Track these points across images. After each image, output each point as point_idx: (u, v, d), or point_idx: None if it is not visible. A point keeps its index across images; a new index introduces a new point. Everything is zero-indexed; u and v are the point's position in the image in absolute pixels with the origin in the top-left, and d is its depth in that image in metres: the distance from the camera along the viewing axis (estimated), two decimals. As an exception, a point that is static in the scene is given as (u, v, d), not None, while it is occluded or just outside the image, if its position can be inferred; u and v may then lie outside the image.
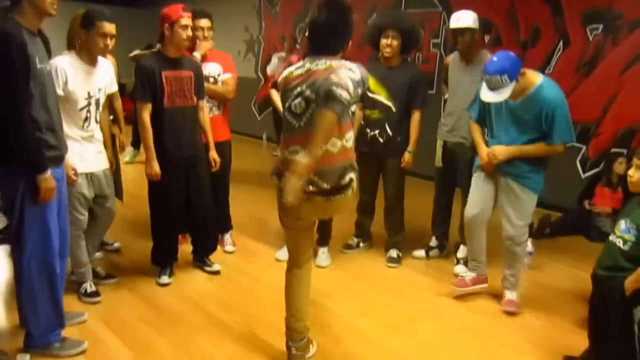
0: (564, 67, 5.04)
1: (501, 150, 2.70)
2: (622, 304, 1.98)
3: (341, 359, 2.38)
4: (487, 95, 2.58)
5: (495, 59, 2.54)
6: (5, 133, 1.96)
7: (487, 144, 2.87)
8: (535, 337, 2.66)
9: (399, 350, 2.48)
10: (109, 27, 2.52)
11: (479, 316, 2.85)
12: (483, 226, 2.91)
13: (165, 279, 3.03)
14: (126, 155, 5.31)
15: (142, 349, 2.35)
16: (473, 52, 3.25)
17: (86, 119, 2.59)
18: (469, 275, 3.04)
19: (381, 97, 3.31)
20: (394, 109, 3.30)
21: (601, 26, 4.75)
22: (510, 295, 2.92)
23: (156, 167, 2.85)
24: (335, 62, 1.99)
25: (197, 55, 3.17)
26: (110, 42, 2.56)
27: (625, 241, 2.02)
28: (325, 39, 2.02)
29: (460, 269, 3.35)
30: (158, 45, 2.95)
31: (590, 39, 4.85)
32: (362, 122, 3.37)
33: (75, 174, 2.54)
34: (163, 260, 3.09)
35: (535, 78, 2.62)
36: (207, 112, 3.13)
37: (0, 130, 1.96)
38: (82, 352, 2.26)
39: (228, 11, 8.69)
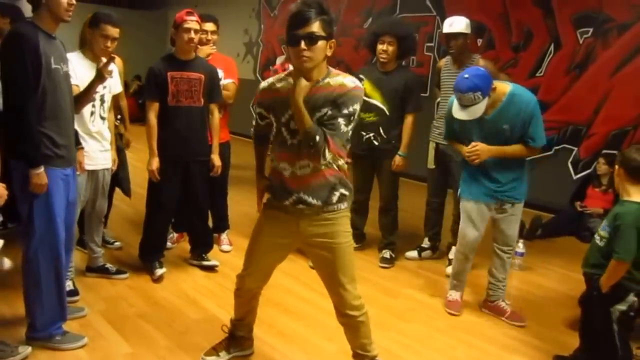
0: (555, 69, 5.14)
1: (484, 148, 2.66)
2: (601, 302, 2.06)
3: (334, 356, 2.45)
4: (461, 113, 2.57)
5: (466, 76, 2.52)
6: (16, 124, 2.09)
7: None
8: (525, 336, 2.72)
9: (390, 348, 2.54)
10: (112, 31, 2.66)
11: (470, 316, 2.92)
12: (476, 250, 2.94)
13: (158, 271, 3.10)
14: None
15: (141, 344, 2.43)
16: (465, 56, 3.35)
17: (92, 113, 2.75)
18: (455, 295, 3.00)
19: (376, 100, 3.40)
20: (387, 113, 3.39)
21: (591, 29, 4.85)
22: (507, 306, 2.91)
23: (155, 164, 2.97)
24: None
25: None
26: (111, 45, 2.68)
27: (601, 238, 2.11)
28: None
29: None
30: (173, 48, 3.06)
31: (581, 41, 4.94)
32: (358, 125, 3.46)
33: (82, 168, 2.62)
34: (149, 254, 3.16)
35: (504, 88, 2.64)
36: (219, 114, 3.20)
37: (13, 125, 2.08)
38: (83, 346, 2.34)
39: (227, 13, 8.77)
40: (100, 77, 2.50)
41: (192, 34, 2.91)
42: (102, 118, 2.84)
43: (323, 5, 1.81)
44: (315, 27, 1.76)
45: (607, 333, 2.00)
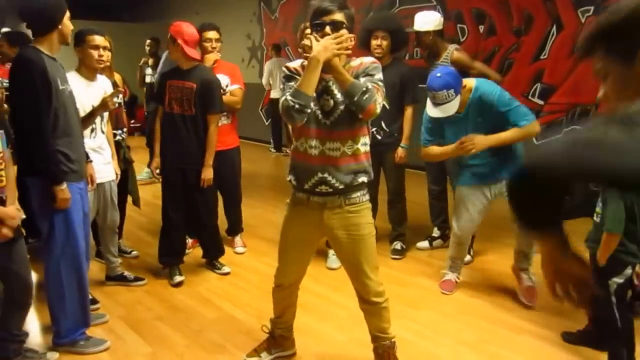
0: (559, 51, 5.10)
1: (480, 139, 2.66)
2: (599, 275, 2.09)
3: (345, 345, 2.53)
4: (435, 111, 2.62)
5: (438, 74, 2.60)
6: (32, 143, 2.21)
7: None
8: (533, 316, 2.76)
9: (402, 335, 2.58)
10: (99, 39, 2.76)
11: (478, 300, 2.97)
12: (472, 235, 3.00)
13: (177, 278, 3.21)
14: (143, 174, 5.62)
15: (160, 344, 2.54)
16: (440, 48, 3.43)
17: (92, 129, 2.85)
18: (451, 275, 3.08)
19: None
20: (387, 107, 3.45)
21: (592, 8, 4.80)
22: (528, 279, 2.89)
23: (156, 162, 3.19)
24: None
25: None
26: (104, 53, 2.78)
27: (597, 214, 2.15)
28: None
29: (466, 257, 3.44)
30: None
31: (583, 21, 4.90)
32: None
33: (92, 181, 2.74)
34: (166, 259, 3.28)
35: (469, 83, 2.69)
36: (215, 127, 3.14)
37: (28, 145, 2.21)
38: (105, 349, 2.46)
39: (229, 20, 8.91)
40: (103, 105, 2.65)
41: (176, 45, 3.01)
42: (102, 132, 2.95)
43: (344, 2, 1.98)
44: (339, 16, 1.92)
45: (606, 306, 2.03)
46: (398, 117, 3.48)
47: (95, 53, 2.75)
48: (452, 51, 3.34)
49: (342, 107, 1.96)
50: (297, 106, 1.87)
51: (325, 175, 1.97)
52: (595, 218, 2.17)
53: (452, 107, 2.59)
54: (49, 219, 2.30)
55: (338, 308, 2.91)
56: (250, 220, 4.02)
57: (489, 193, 2.85)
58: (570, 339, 2.46)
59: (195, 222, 3.30)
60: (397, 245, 3.65)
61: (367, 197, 2.09)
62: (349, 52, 1.89)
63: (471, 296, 3.02)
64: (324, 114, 1.97)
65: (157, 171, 3.24)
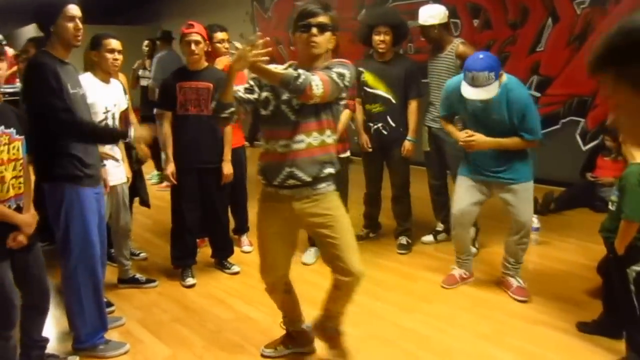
0: (555, 43, 5.15)
1: (480, 139, 2.68)
2: (617, 264, 2.13)
3: (363, 340, 2.55)
4: (473, 91, 2.58)
5: (481, 56, 2.60)
6: (49, 152, 2.21)
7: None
8: (547, 308, 2.78)
9: (417, 329, 2.64)
10: (115, 43, 2.82)
11: (488, 293, 3.00)
12: (469, 226, 3.00)
13: (190, 280, 3.22)
14: (152, 178, 5.58)
15: (179, 345, 2.55)
16: (445, 42, 3.43)
17: None
18: (457, 271, 3.11)
19: (380, 90, 3.47)
20: (394, 101, 3.47)
21: (588, 0, 4.86)
22: (517, 282, 2.94)
23: (170, 168, 3.12)
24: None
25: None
26: (119, 57, 2.83)
27: (612, 203, 2.19)
28: None
29: (471, 250, 3.48)
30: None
31: (579, 12, 4.95)
32: (364, 117, 3.55)
33: (107, 185, 2.74)
34: (180, 261, 3.28)
35: (501, 77, 2.66)
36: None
37: (43, 149, 2.20)
38: (125, 353, 2.47)
39: (221, 19, 8.76)
40: (138, 162, 2.96)
41: (193, 46, 3.03)
42: None
43: (328, 5, 2.05)
44: (325, 19, 2.00)
45: (625, 295, 2.07)
46: (403, 111, 3.50)
47: (110, 56, 2.80)
48: (458, 44, 3.36)
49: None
50: (221, 115, 2.00)
51: (293, 169, 2.03)
52: (610, 206, 2.21)
53: (491, 91, 2.55)
54: (65, 225, 2.29)
55: (350, 305, 2.92)
56: (255, 220, 4.00)
57: (487, 191, 2.86)
58: (586, 329, 2.49)
59: (211, 221, 3.30)
60: (403, 240, 3.68)
61: (334, 187, 2.14)
62: (266, 59, 1.89)
63: (483, 289, 3.05)
64: (293, 110, 2.03)
65: (173, 176, 3.16)
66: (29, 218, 2.09)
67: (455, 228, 2.97)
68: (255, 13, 8.61)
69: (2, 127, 2.01)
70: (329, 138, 2.08)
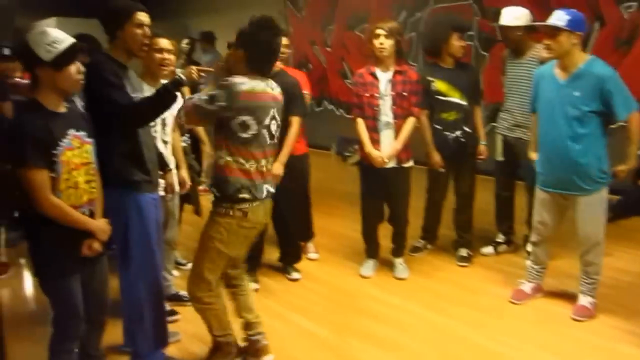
0: (602, 47, 4.98)
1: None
2: None
3: (435, 359, 2.43)
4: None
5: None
6: (108, 157, 2.09)
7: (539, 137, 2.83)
8: (620, 322, 2.65)
9: (489, 346, 2.51)
10: (164, 42, 2.60)
11: (558, 307, 2.85)
12: (549, 237, 2.90)
13: (252, 285, 3.07)
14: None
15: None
16: (526, 46, 3.29)
17: (154, 138, 2.69)
18: (526, 285, 2.98)
19: (455, 97, 3.32)
20: (469, 107, 3.34)
21: (635, 3, 4.71)
22: (583, 299, 2.80)
23: None
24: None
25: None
26: (169, 57, 2.62)
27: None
28: (268, 60, 2.22)
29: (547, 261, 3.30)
30: None
31: (626, 16, 4.79)
32: (439, 127, 3.36)
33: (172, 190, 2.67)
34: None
35: (584, 56, 2.61)
36: (296, 129, 3.10)
37: (102, 154, 2.05)
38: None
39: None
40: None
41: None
42: (165, 142, 2.77)
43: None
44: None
45: None
46: (472, 116, 3.40)
47: (159, 57, 2.59)
48: (541, 50, 3.18)
49: (279, 128, 2.28)
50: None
51: (268, 185, 2.25)
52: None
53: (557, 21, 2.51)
54: (125, 232, 2.17)
55: (415, 318, 2.80)
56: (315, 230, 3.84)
57: (563, 201, 2.75)
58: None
59: (274, 223, 3.24)
60: (464, 252, 3.53)
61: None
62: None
63: (554, 303, 2.89)
64: (271, 135, 2.22)
65: None
66: (103, 224, 1.98)
67: (537, 242, 2.88)
68: (288, 12, 8.34)
69: (73, 130, 1.90)
70: (252, 166, 2.18)
